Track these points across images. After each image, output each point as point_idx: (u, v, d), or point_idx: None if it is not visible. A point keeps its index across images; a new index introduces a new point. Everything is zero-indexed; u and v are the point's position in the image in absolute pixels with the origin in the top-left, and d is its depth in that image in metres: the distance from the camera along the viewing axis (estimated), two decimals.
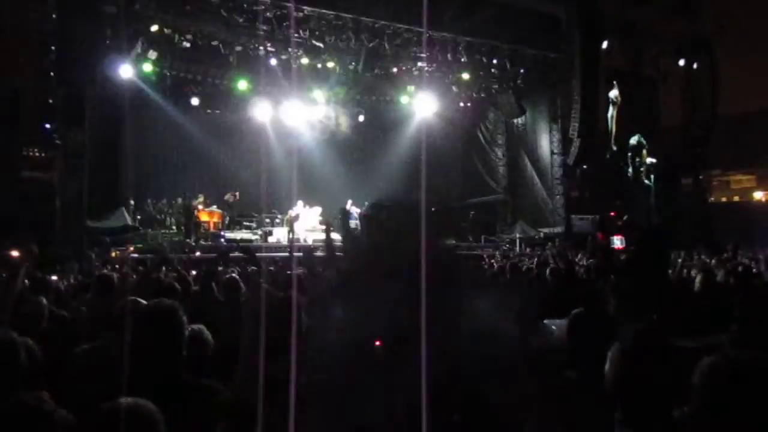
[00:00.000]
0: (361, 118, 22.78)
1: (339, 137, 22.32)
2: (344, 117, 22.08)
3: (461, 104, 23.92)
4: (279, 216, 20.68)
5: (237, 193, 19.55)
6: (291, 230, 19.72)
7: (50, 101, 16.51)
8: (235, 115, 21.32)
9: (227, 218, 19.50)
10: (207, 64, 19.32)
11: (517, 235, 20.90)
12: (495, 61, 19.89)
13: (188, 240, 16.92)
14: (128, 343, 2.35)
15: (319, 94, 21.16)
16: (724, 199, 34.09)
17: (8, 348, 2.47)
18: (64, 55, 15.93)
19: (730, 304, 3.42)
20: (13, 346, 2.49)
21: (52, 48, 16.02)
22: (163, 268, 7.25)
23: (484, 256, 16.33)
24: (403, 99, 22.84)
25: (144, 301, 3.38)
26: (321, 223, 20.98)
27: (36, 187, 16.60)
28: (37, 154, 17.28)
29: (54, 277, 8.23)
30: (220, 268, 5.89)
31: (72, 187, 16.52)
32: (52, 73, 16.27)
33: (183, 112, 19.84)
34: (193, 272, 7.87)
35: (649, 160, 21.37)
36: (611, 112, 20.56)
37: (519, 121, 22.98)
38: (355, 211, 20.00)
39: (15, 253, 13.46)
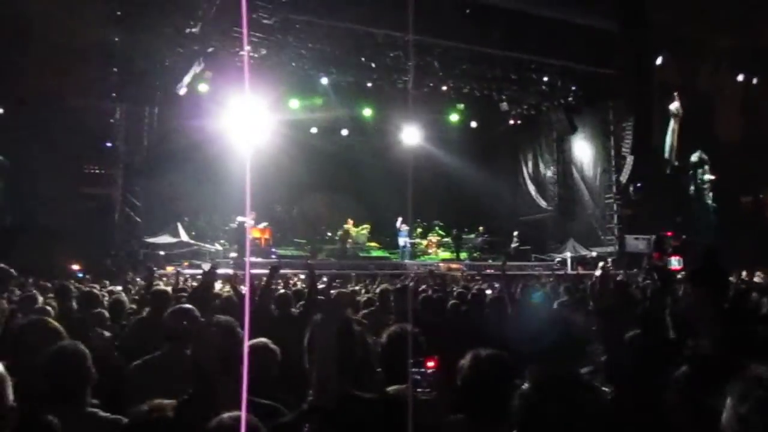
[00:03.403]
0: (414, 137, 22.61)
1: (385, 157, 22.39)
2: (389, 138, 22.20)
3: (511, 122, 23.73)
4: (328, 233, 20.90)
5: (294, 209, 19.81)
6: (343, 247, 19.87)
7: (111, 120, 17.16)
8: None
9: (278, 235, 19.77)
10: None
11: (569, 254, 20.48)
12: (546, 79, 19.68)
13: (237, 255, 17.17)
14: (186, 357, 2.38)
15: (368, 111, 21.39)
16: None
17: (80, 357, 2.57)
18: (126, 77, 16.58)
19: None
20: (84, 356, 2.58)
21: (114, 69, 16.67)
22: (219, 284, 7.38)
23: (537, 274, 16.07)
24: (453, 116, 22.82)
25: (198, 315, 3.45)
26: (369, 240, 21.12)
27: (95, 203, 17.21)
28: (97, 170, 17.92)
29: (117, 288, 8.50)
30: (273, 286, 5.96)
31: (130, 202, 17.10)
32: (113, 94, 16.93)
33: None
34: (243, 288, 7.97)
35: (708, 177, 20.69)
36: (672, 125, 19.98)
37: (571, 138, 22.63)
38: (404, 228, 20.00)
39: (75, 267, 13.97)
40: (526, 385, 1.48)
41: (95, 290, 6.89)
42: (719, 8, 20.44)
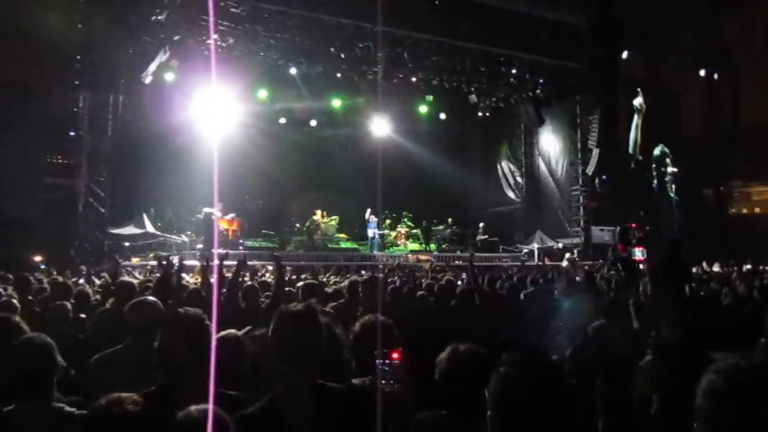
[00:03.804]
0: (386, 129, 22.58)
1: (358, 149, 22.35)
2: (362, 130, 22.17)
3: (480, 114, 23.87)
4: (297, 225, 20.76)
5: (260, 202, 19.59)
6: (312, 239, 19.81)
7: (75, 109, 16.77)
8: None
9: (246, 226, 19.57)
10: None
11: (536, 246, 20.74)
12: (514, 71, 19.82)
13: (203, 246, 16.94)
14: (152, 349, 2.33)
15: (337, 102, 21.29)
16: (745, 211, 33.59)
17: (46, 350, 2.50)
18: (89, 65, 16.21)
19: (758, 317, 3.34)
20: (51, 348, 2.51)
21: (78, 57, 16.28)
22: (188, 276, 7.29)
23: (504, 266, 16.24)
24: (422, 108, 22.86)
25: (161, 307, 3.39)
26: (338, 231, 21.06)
27: (59, 193, 16.83)
28: (61, 160, 17.52)
29: (80, 281, 8.33)
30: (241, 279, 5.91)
31: (95, 193, 16.76)
32: (77, 82, 16.54)
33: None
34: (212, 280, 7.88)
35: (670, 169, 21.13)
36: (636, 120, 20.33)
37: (539, 131, 22.89)
38: (373, 220, 20.01)
39: (38, 258, 13.66)
40: (501, 369, 1.50)
41: (63, 281, 6.75)
42: (683, 5, 20.85)
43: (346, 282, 6.51)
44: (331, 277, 10.56)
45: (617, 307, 4.28)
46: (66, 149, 17.24)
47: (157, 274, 7.94)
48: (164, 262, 5.22)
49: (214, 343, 2.27)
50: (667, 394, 2.09)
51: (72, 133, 16.97)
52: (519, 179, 23.92)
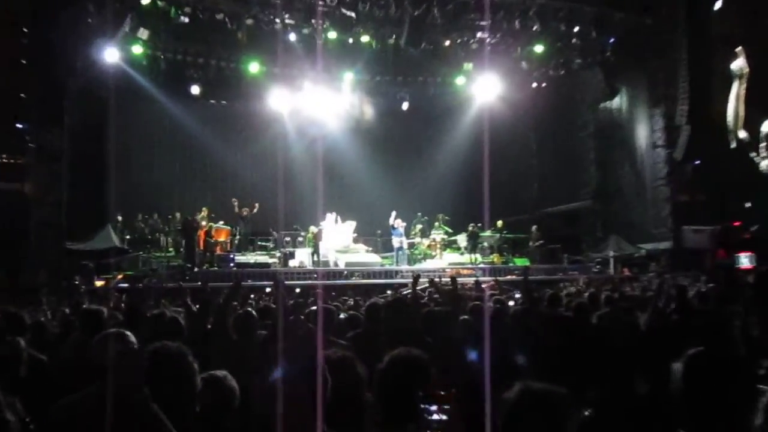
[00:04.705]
0: (405, 105, 22.81)
1: (376, 131, 22.42)
2: (382, 105, 22.20)
3: (534, 85, 23.78)
4: (302, 233, 20.86)
5: (256, 204, 19.70)
6: (316, 251, 19.83)
7: (22, 95, 17.00)
8: (245, 106, 21.64)
9: (238, 237, 19.71)
10: (210, 43, 19.68)
11: (611, 253, 20.51)
12: (577, 29, 19.71)
13: (189, 265, 17.16)
14: (123, 396, 2.37)
15: (350, 76, 21.35)
16: None
17: None
18: (38, 40, 16.40)
19: None
20: None
21: (24, 30, 16.50)
22: (162, 301, 7.38)
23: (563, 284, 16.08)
24: (458, 80, 22.86)
25: (135, 342, 3.45)
26: (355, 241, 21.11)
27: (6, 200, 17.05)
28: (6, 159, 17.78)
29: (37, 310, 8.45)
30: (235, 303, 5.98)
31: (49, 200, 16.96)
32: (23, 60, 16.77)
33: (181, 104, 20.25)
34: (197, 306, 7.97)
35: None
36: (736, 88, 20.04)
37: (610, 105, 22.71)
38: (400, 225, 20.02)
39: None
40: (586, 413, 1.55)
41: (15, 311, 6.84)
42: None
43: (366, 305, 6.54)
44: (349, 300, 10.60)
45: (717, 331, 4.24)
46: (11, 146, 17.50)
47: (130, 300, 8.07)
48: (132, 287, 5.30)
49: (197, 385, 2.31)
50: None
51: (19, 126, 17.22)
52: (588, 169, 23.71)
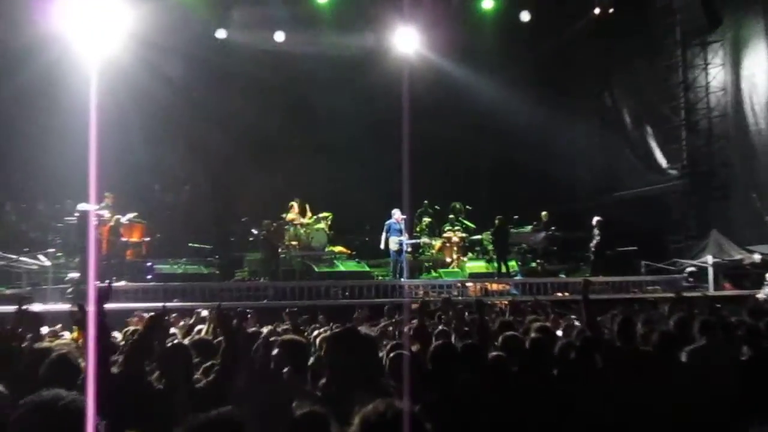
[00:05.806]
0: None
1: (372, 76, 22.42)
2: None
3: (596, 13, 23.93)
4: (254, 231, 20.83)
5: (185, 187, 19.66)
6: (275, 257, 19.89)
7: None
8: None
9: (158, 235, 19.66)
10: None
11: (709, 259, 20.46)
12: None
13: (79, 275, 16.99)
14: None
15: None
16: None
17: None
18: None
19: None
20: None
21: None
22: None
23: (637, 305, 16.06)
24: (485, 3, 23.00)
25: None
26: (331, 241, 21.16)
27: None
28: None
29: None
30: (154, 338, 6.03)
31: None
32: None
33: None
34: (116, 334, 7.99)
35: None
36: None
37: (709, 44, 22.69)
38: (399, 219, 19.90)
39: None
40: None
41: None
42: None
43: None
44: (320, 328, 10.59)
45: None
46: None
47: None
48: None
49: None
50: None
51: None
52: (676, 136, 23.71)
